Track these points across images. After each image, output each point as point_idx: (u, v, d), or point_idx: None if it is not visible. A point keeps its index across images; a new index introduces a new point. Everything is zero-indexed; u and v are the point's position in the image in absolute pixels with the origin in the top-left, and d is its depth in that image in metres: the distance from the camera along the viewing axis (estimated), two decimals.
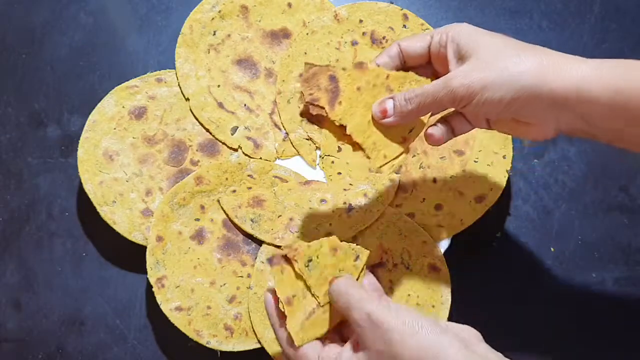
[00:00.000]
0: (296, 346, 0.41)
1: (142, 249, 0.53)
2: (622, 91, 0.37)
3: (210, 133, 0.56)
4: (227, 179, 0.55)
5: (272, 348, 0.51)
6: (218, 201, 0.54)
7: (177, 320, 0.52)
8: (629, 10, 0.62)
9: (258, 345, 0.52)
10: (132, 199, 0.54)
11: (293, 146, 0.57)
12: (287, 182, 0.56)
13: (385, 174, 0.55)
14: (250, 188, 0.55)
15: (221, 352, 0.52)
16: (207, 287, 0.53)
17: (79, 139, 0.55)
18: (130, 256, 0.56)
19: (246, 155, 0.56)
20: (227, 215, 0.54)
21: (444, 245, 0.54)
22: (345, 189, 0.55)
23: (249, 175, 0.56)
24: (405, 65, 0.44)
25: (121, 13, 0.63)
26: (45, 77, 0.61)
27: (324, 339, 0.42)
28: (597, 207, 0.58)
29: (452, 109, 0.44)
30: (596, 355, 0.56)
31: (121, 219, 0.54)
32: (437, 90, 0.41)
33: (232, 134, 0.56)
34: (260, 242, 0.54)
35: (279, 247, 0.53)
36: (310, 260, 0.43)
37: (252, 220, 0.54)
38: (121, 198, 0.54)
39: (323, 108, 0.44)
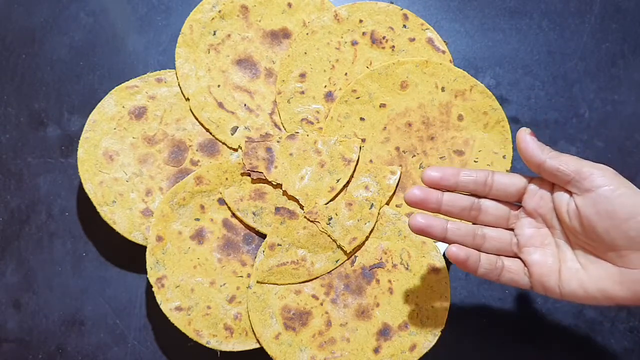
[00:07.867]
0: None
1: (142, 249, 0.53)
2: None
3: (210, 133, 0.56)
4: (227, 179, 0.55)
5: (272, 348, 0.51)
6: (220, 193, 0.54)
7: (177, 320, 0.52)
8: (629, 10, 0.62)
9: (258, 345, 0.52)
10: (132, 199, 0.54)
11: None
12: None
13: (386, 167, 0.55)
14: None
15: (221, 352, 0.52)
16: (207, 287, 0.53)
17: (79, 139, 0.55)
18: (130, 256, 0.56)
19: None
20: (229, 208, 0.54)
21: (443, 246, 0.54)
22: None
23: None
24: (487, 195, 0.46)
25: (121, 13, 0.63)
26: (45, 77, 0.61)
27: None
28: None
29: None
30: (596, 356, 0.56)
31: (121, 219, 0.54)
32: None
33: (232, 134, 0.56)
34: (261, 238, 0.54)
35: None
36: (330, 219, 0.52)
37: (254, 213, 0.54)
38: (121, 198, 0.54)
39: (262, 172, 0.53)
